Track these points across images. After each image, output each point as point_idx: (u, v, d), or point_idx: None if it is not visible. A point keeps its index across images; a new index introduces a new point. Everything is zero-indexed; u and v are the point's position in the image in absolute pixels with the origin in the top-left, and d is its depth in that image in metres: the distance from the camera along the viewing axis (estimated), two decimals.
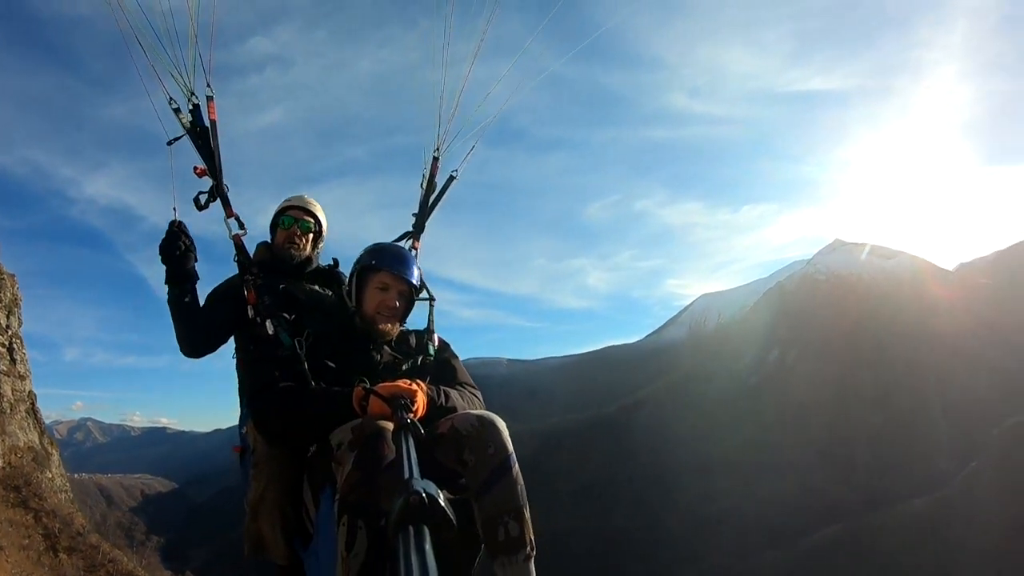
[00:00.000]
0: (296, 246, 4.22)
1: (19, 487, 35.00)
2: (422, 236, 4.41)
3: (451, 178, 4.54)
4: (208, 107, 3.93)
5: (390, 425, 2.69)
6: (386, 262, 3.49)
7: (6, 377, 38.67)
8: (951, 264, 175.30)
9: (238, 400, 4.05)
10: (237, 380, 4.09)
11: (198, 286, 4.00)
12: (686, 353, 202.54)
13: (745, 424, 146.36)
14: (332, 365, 3.28)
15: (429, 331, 3.68)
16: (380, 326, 3.44)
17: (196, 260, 3.97)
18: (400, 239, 4.34)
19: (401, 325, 3.57)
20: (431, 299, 3.74)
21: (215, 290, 4.12)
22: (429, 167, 4.51)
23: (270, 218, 4.41)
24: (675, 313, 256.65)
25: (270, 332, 3.44)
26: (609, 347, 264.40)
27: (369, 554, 2.33)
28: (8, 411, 37.57)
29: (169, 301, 3.90)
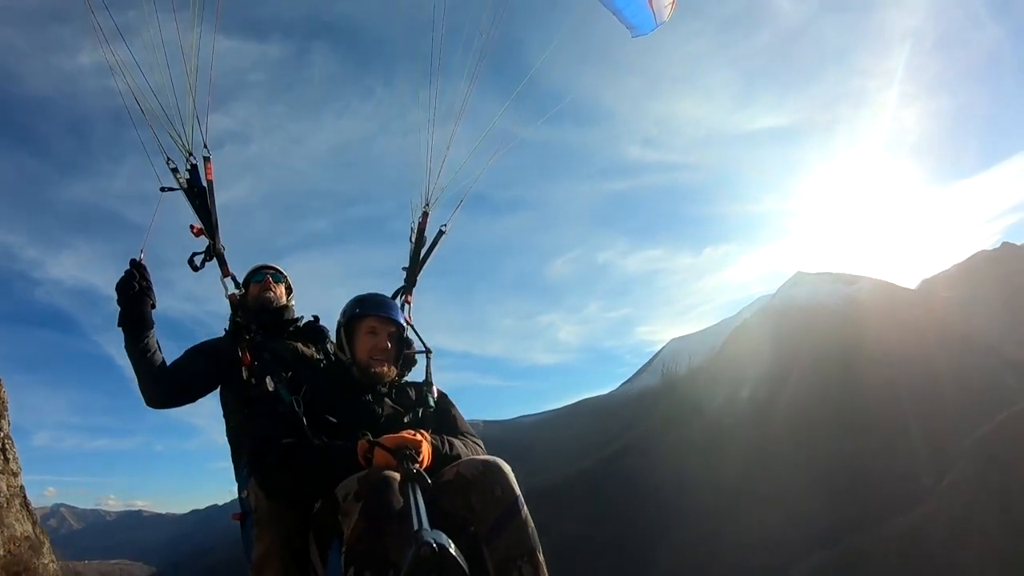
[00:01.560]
0: (272, 293, 4.24)
1: (19, 573, 39.01)
2: (414, 290, 4.43)
3: (441, 232, 4.57)
4: (205, 167, 3.93)
5: (396, 475, 2.65)
6: (370, 308, 3.52)
7: (1, 475, 42.97)
8: (914, 282, 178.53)
9: (233, 467, 3.93)
10: (230, 446, 3.98)
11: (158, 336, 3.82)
12: (660, 400, 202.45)
13: (723, 465, 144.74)
14: (333, 420, 3.22)
15: (428, 383, 3.66)
16: (376, 369, 3.43)
17: (154, 306, 3.77)
18: (394, 295, 4.31)
19: (396, 368, 3.54)
20: (428, 351, 3.75)
21: (196, 346, 4.04)
22: (418, 222, 4.53)
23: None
24: (646, 360, 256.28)
25: (270, 388, 3.36)
26: (584, 400, 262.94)
27: None
28: (5, 505, 42.62)
29: (125, 346, 3.67)
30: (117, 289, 3.68)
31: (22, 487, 41.46)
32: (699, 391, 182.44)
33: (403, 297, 4.38)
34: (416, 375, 3.77)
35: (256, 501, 3.37)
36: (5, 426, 38.64)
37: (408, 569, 1.50)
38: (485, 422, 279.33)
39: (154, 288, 3.77)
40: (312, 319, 4.33)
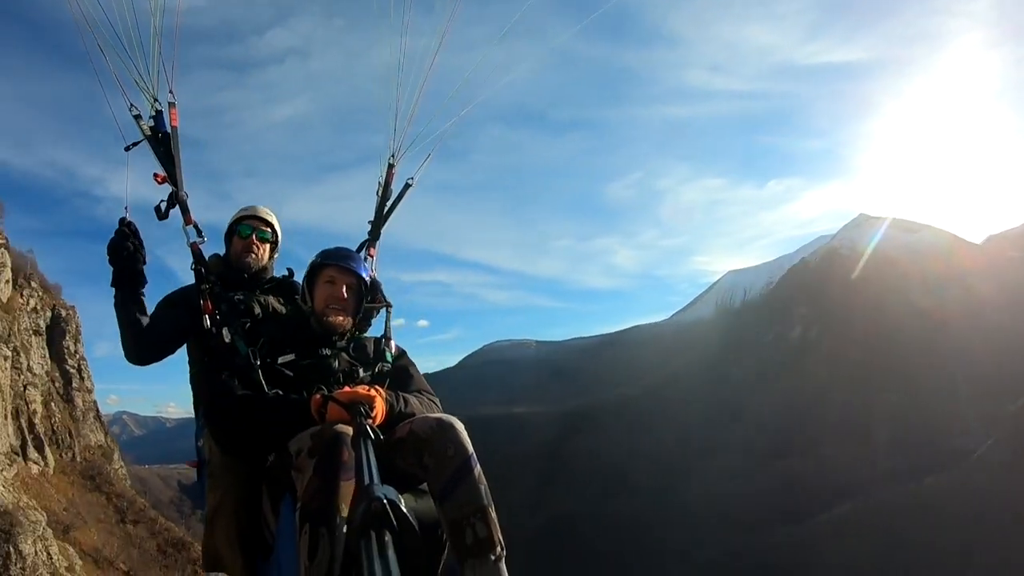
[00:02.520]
0: (253, 256, 4.14)
1: (93, 476, 46.35)
2: (378, 243, 4.38)
3: (407, 185, 4.48)
4: (170, 113, 3.88)
5: (349, 430, 2.63)
6: (330, 258, 3.50)
7: (78, 392, 50.16)
8: (979, 237, 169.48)
9: (193, 412, 4.02)
10: (192, 392, 4.07)
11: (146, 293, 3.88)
12: (711, 332, 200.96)
13: (764, 404, 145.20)
14: (289, 373, 3.27)
15: (386, 337, 3.64)
16: (330, 319, 3.41)
17: (145, 263, 3.78)
18: (358, 249, 4.23)
19: (355, 321, 3.53)
20: (388, 305, 3.76)
21: (167, 297, 4.03)
22: (384, 174, 4.42)
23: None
24: (701, 290, 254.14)
25: (227, 340, 3.39)
26: (636, 327, 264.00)
27: (332, 562, 2.29)
28: (81, 418, 49.79)
29: (115, 305, 3.74)
30: (109, 249, 3.70)
31: (95, 402, 50.11)
32: (749, 328, 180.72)
33: (367, 250, 4.32)
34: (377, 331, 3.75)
35: (210, 453, 3.44)
36: (80, 348, 44.45)
37: (358, 524, 1.54)
38: (537, 342, 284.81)
39: (144, 245, 3.79)
40: (286, 273, 4.33)
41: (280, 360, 3.29)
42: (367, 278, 3.57)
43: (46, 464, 42.31)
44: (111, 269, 3.72)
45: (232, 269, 4.08)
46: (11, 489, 31.56)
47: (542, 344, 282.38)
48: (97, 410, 53.66)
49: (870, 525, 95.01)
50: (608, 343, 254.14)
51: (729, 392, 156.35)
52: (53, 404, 45.85)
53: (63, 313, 49.95)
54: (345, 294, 3.44)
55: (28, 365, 43.43)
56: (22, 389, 42.10)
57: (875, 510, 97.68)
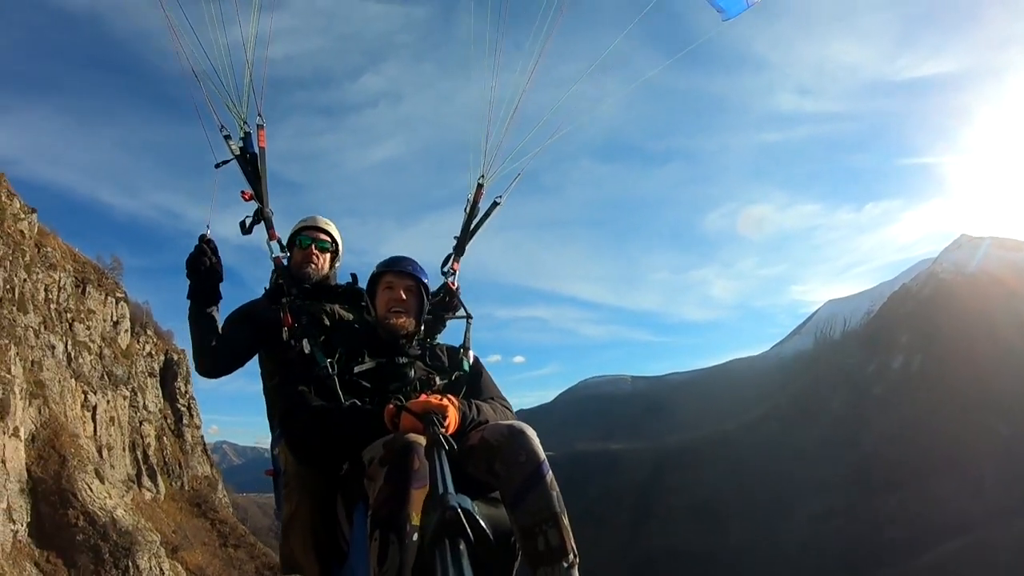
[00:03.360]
0: (314, 266, 4.23)
1: (199, 503, 52.55)
2: (462, 258, 4.50)
3: (495, 203, 4.62)
4: (259, 135, 4.10)
5: (423, 440, 2.65)
6: (387, 265, 3.63)
7: (187, 428, 57.26)
8: None
9: (268, 424, 4.06)
10: (266, 404, 4.10)
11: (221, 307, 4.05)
12: (811, 364, 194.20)
13: (867, 438, 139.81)
14: (366, 384, 3.33)
15: (465, 347, 3.73)
16: (391, 321, 3.50)
17: (221, 279, 3.93)
18: (444, 263, 4.43)
19: (416, 322, 3.61)
20: (468, 317, 3.92)
21: (236, 311, 4.10)
22: (473, 192, 4.57)
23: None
24: (800, 321, 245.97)
25: (306, 351, 3.44)
26: (733, 360, 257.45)
27: (401, 569, 2.33)
28: (190, 451, 56.59)
29: (189, 317, 3.87)
30: (188, 263, 3.79)
31: (202, 437, 58.49)
32: (850, 357, 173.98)
33: (451, 264, 4.41)
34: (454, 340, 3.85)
35: (286, 462, 3.49)
36: (190, 389, 55.97)
37: (433, 533, 1.49)
38: (633, 377, 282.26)
39: (222, 262, 3.87)
40: (350, 280, 4.32)
41: (357, 370, 3.37)
42: (426, 281, 3.66)
43: (158, 491, 49.07)
44: (188, 283, 3.87)
45: (295, 279, 4.14)
46: (130, 512, 36.86)
47: (638, 379, 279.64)
48: (204, 444, 60.85)
49: (977, 564, 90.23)
50: (705, 377, 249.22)
51: (829, 427, 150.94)
52: (165, 438, 52.68)
53: (175, 357, 57.14)
54: (404, 296, 3.54)
55: (144, 404, 50.31)
56: (138, 424, 48.87)
57: (983, 548, 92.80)
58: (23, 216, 38.43)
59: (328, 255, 4.38)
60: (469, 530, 1.51)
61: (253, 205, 4.13)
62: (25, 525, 30.73)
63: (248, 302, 4.18)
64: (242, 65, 4.04)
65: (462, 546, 1.46)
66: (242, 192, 4.12)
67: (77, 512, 33.71)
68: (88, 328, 46.33)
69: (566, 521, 2.77)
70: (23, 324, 36.40)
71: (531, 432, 2.97)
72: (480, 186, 4.59)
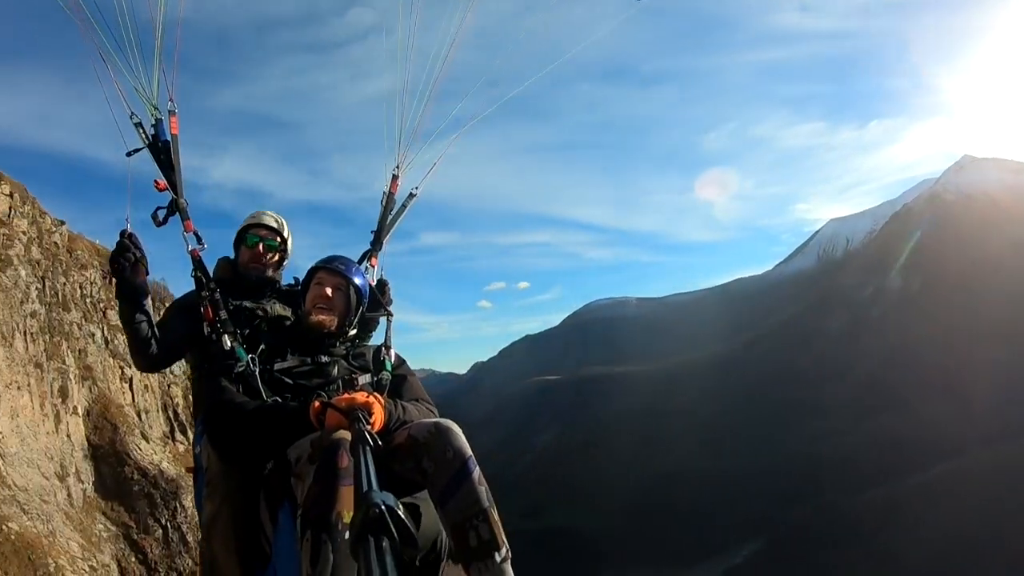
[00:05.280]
0: (259, 265, 4.15)
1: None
2: (380, 254, 4.39)
3: (411, 195, 4.53)
4: (171, 121, 3.93)
5: (348, 437, 2.59)
6: (322, 262, 3.58)
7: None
8: None
9: (191, 419, 4.87)
10: (192, 398, 4.01)
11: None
12: (812, 283, 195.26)
13: (864, 359, 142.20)
14: (288, 380, 3.29)
15: (386, 346, 3.65)
16: (314, 317, 3.45)
17: (147, 272, 3.73)
18: (360, 259, 4.29)
19: (341, 322, 3.54)
20: (388, 314, 3.85)
21: (175, 302, 4.05)
22: (388, 187, 4.45)
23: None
24: (803, 240, 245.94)
25: (227, 347, 3.38)
26: (736, 280, 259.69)
27: (335, 569, 2.27)
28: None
29: (120, 315, 3.74)
30: (111, 261, 3.64)
31: None
32: (851, 278, 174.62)
33: (368, 260, 4.32)
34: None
35: (208, 461, 3.41)
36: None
37: (357, 531, 1.44)
38: (638, 299, 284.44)
39: (147, 255, 3.69)
40: (292, 282, 4.22)
41: (278, 367, 3.33)
42: (359, 282, 3.60)
43: (188, 443, 57.03)
44: (114, 281, 3.69)
45: (239, 276, 4.10)
46: (171, 463, 44.76)
47: (643, 301, 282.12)
48: None
49: (965, 486, 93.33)
50: (709, 297, 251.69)
51: (825, 347, 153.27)
52: (190, 396, 58.66)
53: None
54: (330, 294, 3.48)
55: (171, 368, 55.69)
56: (167, 388, 54.73)
57: (971, 471, 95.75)
58: (54, 228, 44.98)
59: (275, 255, 4.29)
60: (394, 528, 1.52)
61: (167, 196, 3.93)
62: (91, 484, 39.40)
63: (185, 294, 4.06)
64: (151, 42, 3.80)
65: (386, 544, 1.47)
66: (155, 181, 3.91)
67: (132, 468, 42.38)
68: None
69: (496, 515, 2.77)
70: (68, 321, 43.89)
71: (457, 428, 2.94)
72: (395, 177, 4.51)
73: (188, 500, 41.14)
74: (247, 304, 3.93)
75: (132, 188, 3.83)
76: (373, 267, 4.34)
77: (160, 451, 47.29)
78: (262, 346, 3.44)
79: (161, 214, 3.85)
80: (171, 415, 54.28)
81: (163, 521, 42.08)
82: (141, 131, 3.89)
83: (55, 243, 47.27)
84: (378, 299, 3.90)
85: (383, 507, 1.54)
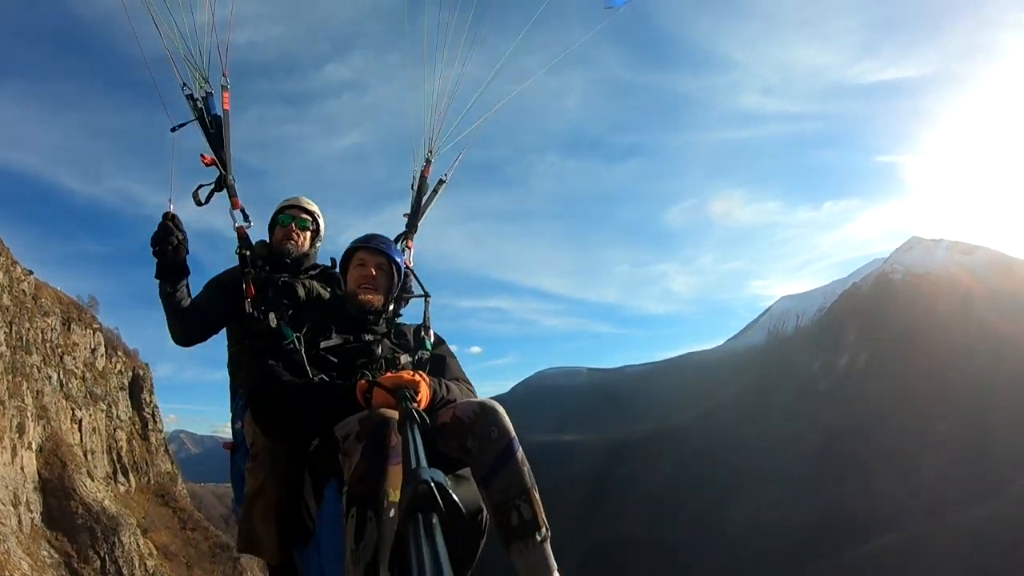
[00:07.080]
0: (293, 243, 4.20)
1: (163, 494, 63.58)
2: (414, 236, 4.48)
3: (441, 181, 4.62)
4: (222, 96, 3.93)
5: (395, 415, 2.64)
6: (360, 241, 3.59)
7: (152, 432, 67.34)
8: None
9: (229, 395, 4.05)
10: (229, 374, 4.08)
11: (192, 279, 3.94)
12: (761, 359, 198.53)
13: (811, 432, 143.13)
14: (333, 358, 3.30)
15: (425, 326, 3.69)
16: (361, 297, 3.45)
17: (188, 253, 3.80)
18: (396, 240, 4.31)
19: (385, 300, 3.56)
20: (426, 295, 3.82)
21: (215, 279, 4.07)
22: (420, 169, 4.56)
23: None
24: (757, 315, 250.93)
25: (272, 325, 3.42)
26: (688, 354, 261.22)
27: (379, 544, 2.35)
28: (154, 452, 66.97)
29: (160, 295, 3.78)
30: (153, 242, 3.67)
31: (165, 439, 69.43)
32: (800, 353, 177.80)
33: (404, 242, 4.40)
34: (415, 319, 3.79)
35: (253, 436, 3.44)
36: (154, 399, 67.70)
37: (406, 507, 1.48)
38: (589, 369, 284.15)
39: (188, 237, 3.76)
40: (330, 263, 4.28)
41: (323, 345, 3.34)
42: (399, 261, 3.62)
43: (130, 485, 60.12)
44: (155, 261, 3.74)
45: (275, 255, 4.14)
46: (113, 502, 48.45)
47: (594, 371, 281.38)
48: (166, 445, 71.67)
49: (912, 556, 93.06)
50: (659, 370, 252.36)
51: (776, 421, 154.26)
52: (134, 441, 63.75)
53: (140, 372, 68.60)
54: (375, 272, 3.50)
55: (117, 414, 61.70)
56: (113, 431, 59.32)
57: (917, 540, 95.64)
58: (23, 278, 49.07)
59: (308, 234, 4.31)
60: (442, 503, 1.51)
61: (213, 173, 3.89)
62: (39, 514, 40.38)
63: (227, 269, 4.09)
64: (204, 28, 3.82)
65: (435, 519, 1.46)
66: (202, 156, 3.84)
67: (76, 503, 43.70)
68: (74, 358, 57.19)
69: (537, 496, 2.80)
70: (29, 364, 45.81)
71: (502, 410, 2.97)
72: (428, 162, 4.59)
73: (126, 536, 44.99)
74: (287, 278, 3.92)
75: (172, 172, 3.76)
76: (409, 249, 4.39)
77: (103, 489, 50.11)
78: (307, 325, 3.41)
79: (203, 193, 3.85)
80: (115, 456, 58.71)
81: (102, 554, 44.78)
82: (192, 103, 3.84)
83: (23, 291, 49.41)
84: (417, 280, 3.89)
85: (432, 483, 1.56)
